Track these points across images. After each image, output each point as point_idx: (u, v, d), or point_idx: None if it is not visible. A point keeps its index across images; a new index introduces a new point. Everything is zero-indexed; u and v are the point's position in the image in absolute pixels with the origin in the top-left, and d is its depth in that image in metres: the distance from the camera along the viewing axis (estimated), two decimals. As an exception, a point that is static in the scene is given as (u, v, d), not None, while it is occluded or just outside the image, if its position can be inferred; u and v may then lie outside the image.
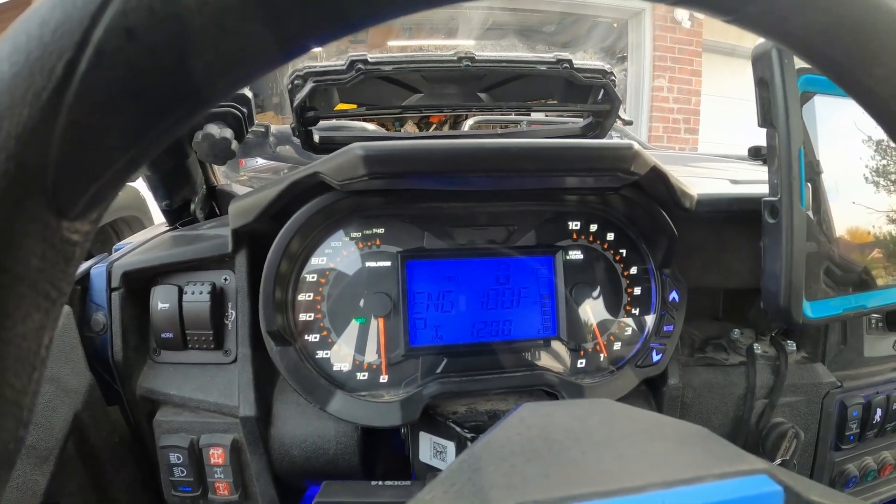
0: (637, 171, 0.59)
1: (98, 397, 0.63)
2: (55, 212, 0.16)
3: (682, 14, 4.83)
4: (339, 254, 0.64)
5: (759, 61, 0.59)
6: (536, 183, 0.65)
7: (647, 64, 4.91)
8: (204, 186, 0.89)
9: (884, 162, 0.67)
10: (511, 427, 0.30)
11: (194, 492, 0.64)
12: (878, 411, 0.82)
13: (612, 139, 1.09)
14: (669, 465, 0.27)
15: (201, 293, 0.64)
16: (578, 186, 0.67)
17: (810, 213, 0.60)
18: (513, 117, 1.37)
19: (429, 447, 0.63)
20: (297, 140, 0.86)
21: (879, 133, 0.66)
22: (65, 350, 0.61)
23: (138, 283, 0.66)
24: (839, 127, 0.64)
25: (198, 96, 0.17)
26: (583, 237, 0.70)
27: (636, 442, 0.30)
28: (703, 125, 5.10)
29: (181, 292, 0.64)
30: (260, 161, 1.53)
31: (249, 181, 1.35)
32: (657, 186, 0.65)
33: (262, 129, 1.07)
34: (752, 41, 0.59)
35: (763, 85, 0.59)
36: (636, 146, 0.58)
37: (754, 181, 0.88)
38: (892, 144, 0.67)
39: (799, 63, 0.58)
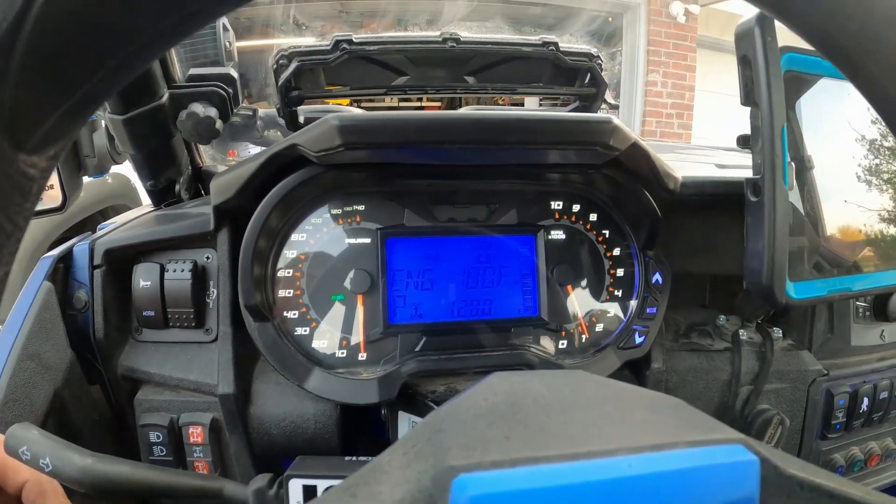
0: (616, 146, 0.59)
1: (79, 375, 0.63)
2: (11, 143, 0.16)
3: (676, 9, 4.83)
4: (319, 230, 0.63)
5: (743, 39, 0.58)
6: (516, 157, 0.64)
7: (641, 58, 4.92)
8: (189, 167, 0.88)
9: (876, 161, 0.67)
10: (479, 393, 0.30)
11: None
12: (865, 400, 0.81)
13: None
14: (640, 432, 0.27)
15: (183, 271, 0.64)
16: (560, 163, 0.67)
17: (797, 199, 0.60)
18: (507, 107, 1.37)
19: (408, 426, 0.62)
20: (282, 121, 0.86)
21: (872, 132, 0.66)
22: (46, 327, 0.60)
23: (121, 262, 0.65)
24: (832, 126, 0.64)
25: (150, 32, 0.17)
26: (565, 217, 0.69)
27: (607, 409, 0.29)
28: (696, 120, 5.11)
29: (163, 270, 0.64)
30: (252, 150, 1.52)
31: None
32: (639, 164, 0.64)
33: (250, 113, 1.06)
34: None
35: (746, 63, 0.58)
36: (615, 120, 0.58)
37: (741, 166, 0.88)
38: (885, 144, 0.67)
39: (782, 41, 0.58)
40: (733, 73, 0.60)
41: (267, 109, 1.14)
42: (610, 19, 5.00)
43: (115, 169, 1.02)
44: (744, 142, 0.73)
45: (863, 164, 0.66)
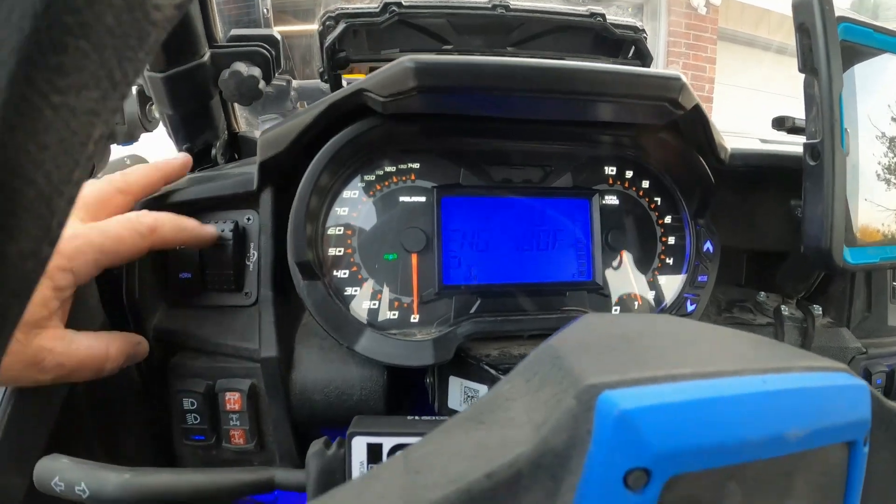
0: (684, 105, 0.58)
1: None
2: None
3: (698, 0, 4.82)
4: (371, 187, 0.63)
5: (801, 8, 0.58)
6: (580, 111, 0.63)
7: (661, 49, 4.91)
8: (226, 131, 0.88)
9: None
10: (580, 328, 0.29)
11: (207, 440, 0.61)
12: (901, 381, 0.81)
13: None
14: (757, 357, 0.27)
15: (224, 231, 0.62)
16: (619, 121, 0.66)
17: (851, 160, 0.60)
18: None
19: (459, 392, 0.61)
20: (324, 88, 0.85)
21: (893, 129, 0.65)
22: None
23: None
24: (885, 110, 0.64)
25: None
26: (618, 183, 0.69)
27: (713, 340, 0.29)
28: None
29: None
30: (266, 126, 1.51)
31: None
32: (696, 130, 0.64)
33: (284, 83, 1.05)
34: (767, 31, 0.58)
35: (804, 31, 0.58)
36: (685, 78, 0.57)
37: (783, 142, 0.88)
38: None
39: (839, 10, 0.57)
40: (753, 66, 0.60)
41: (301, 81, 1.14)
42: (630, 10, 4.99)
43: (134, 150, 1.02)
44: (778, 123, 0.73)
45: (882, 163, 0.65)
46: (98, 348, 0.52)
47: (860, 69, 0.62)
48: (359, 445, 0.49)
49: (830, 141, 0.57)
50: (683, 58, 4.93)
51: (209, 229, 0.60)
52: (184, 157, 0.64)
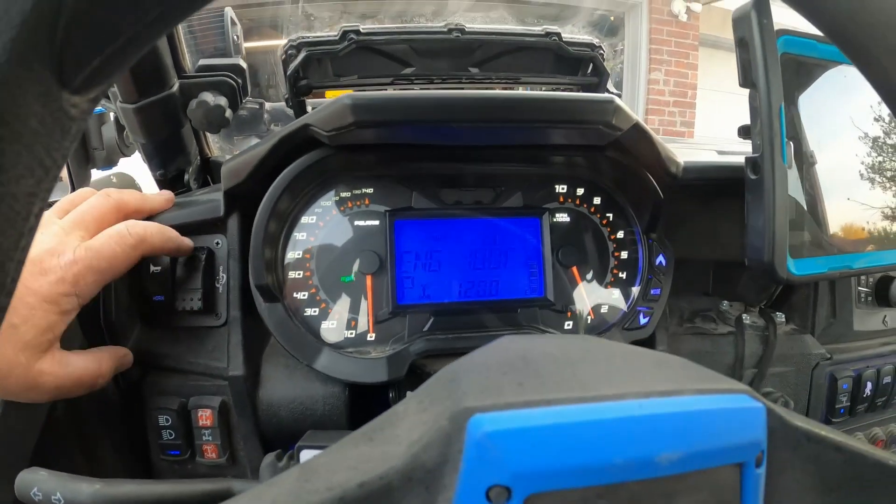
0: (619, 126, 0.60)
1: None
2: (58, 79, 0.17)
3: (678, 7, 4.85)
4: (328, 213, 0.65)
5: (740, 22, 0.60)
6: (521, 137, 0.65)
7: (643, 56, 4.94)
8: (198, 157, 0.90)
9: (879, 158, 0.68)
10: (490, 350, 0.31)
11: (182, 455, 0.64)
12: (869, 385, 0.82)
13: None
14: (648, 380, 0.28)
15: (195, 256, 0.65)
16: (563, 144, 0.68)
17: (798, 192, 0.61)
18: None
19: (416, 406, 0.63)
20: (290, 112, 0.87)
21: (876, 129, 0.67)
22: None
23: None
24: (835, 123, 0.66)
25: None
26: (570, 200, 0.71)
27: (615, 363, 0.30)
28: (698, 119, 5.13)
29: (173, 256, 0.65)
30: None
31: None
32: (642, 147, 0.66)
33: (257, 106, 1.07)
34: None
35: (743, 45, 0.60)
36: (618, 100, 0.59)
37: (742, 153, 0.89)
38: (889, 141, 0.68)
39: (778, 24, 0.59)
40: (735, 71, 0.61)
41: (274, 104, 1.16)
42: (612, 18, 5.03)
43: (119, 168, 1.04)
44: (744, 132, 0.75)
45: (866, 162, 0.67)
46: (91, 367, 0.54)
47: (822, 80, 0.64)
48: (306, 457, 0.51)
49: (770, 154, 0.59)
50: (665, 65, 4.96)
51: (187, 240, 0.63)
52: (167, 196, 0.67)
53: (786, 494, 0.30)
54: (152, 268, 0.64)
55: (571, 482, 0.24)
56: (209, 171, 0.96)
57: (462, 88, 0.89)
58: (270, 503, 0.23)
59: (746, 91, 0.61)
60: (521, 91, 0.60)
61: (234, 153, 1.14)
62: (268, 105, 1.13)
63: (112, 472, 0.65)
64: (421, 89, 0.87)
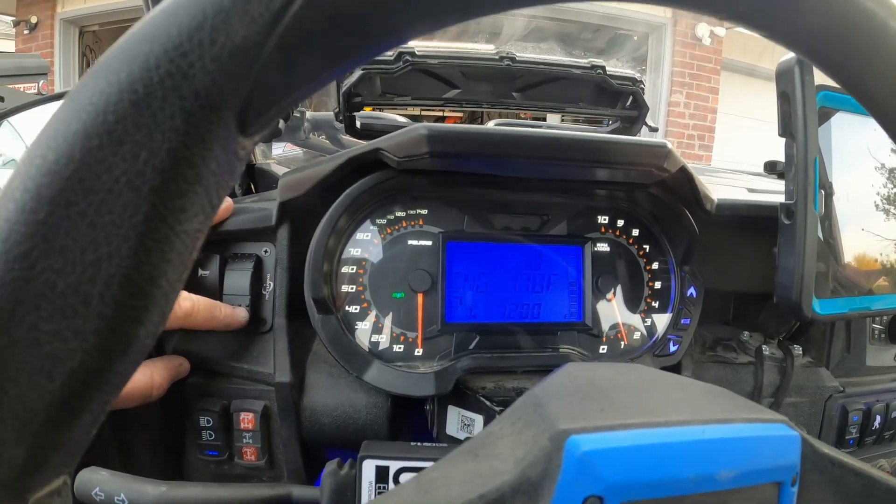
0: (669, 169, 0.64)
1: None
2: (238, 125, 0.18)
3: (702, 31, 4.88)
4: (383, 231, 0.68)
5: (783, 76, 0.63)
6: (574, 173, 0.69)
7: (665, 78, 4.98)
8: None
9: (895, 190, 0.71)
10: (562, 377, 0.35)
11: (220, 456, 0.66)
12: (878, 418, 0.85)
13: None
14: (704, 408, 0.32)
15: (245, 262, 0.67)
16: (612, 181, 0.72)
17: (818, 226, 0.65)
18: (530, 121, 1.41)
19: (456, 420, 0.66)
20: (337, 125, 0.91)
21: (892, 161, 0.70)
22: None
23: None
24: (852, 154, 0.68)
25: (375, 45, 0.20)
26: (610, 231, 0.74)
27: (672, 392, 0.35)
28: (717, 143, 5.14)
29: (223, 261, 0.67)
30: (275, 152, 1.57)
31: (279, 165, 1.39)
32: (683, 186, 0.69)
33: (300, 114, 1.11)
34: (770, 61, 0.63)
35: (785, 98, 0.63)
36: (670, 145, 0.63)
37: (770, 191, 0.93)
38: None
39: (818, 80, 0.62)
40: (756, 97, 0.65)
41: (315, 113, 1.19)
42: (636, 38, 5.07)
43: None
44: (770, 168, 0.79)
45: (882, 193, 0.70)
46: (143, 381, 0.57)
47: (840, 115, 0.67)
48: (368, 467, 0.55)
49: (804, 203, 0.62)
50: (687, 88, 4.99)
51: (241, 314, 0.65)
52: (228, 204, 0.68)
53: None
54: (200, 272, 0.67)
55: (651, 493, 0.28)
56: (253, 177, 0.99)
57: (497, 113, 0.92)
58: None
59: (765, 117, 0.64)
60: (581, 132, 0.64)
61: (266, 156, 1.18)
62: (308, 114, 1.17)
63: (146, 469, 0.67)
64: (437, 109, 0.90)
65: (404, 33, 0.20)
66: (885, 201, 0.70)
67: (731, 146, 5.07)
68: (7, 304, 0.16)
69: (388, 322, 0.67)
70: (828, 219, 0.66)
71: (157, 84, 0.17)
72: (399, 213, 0.68)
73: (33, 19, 5.67)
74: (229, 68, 0.17)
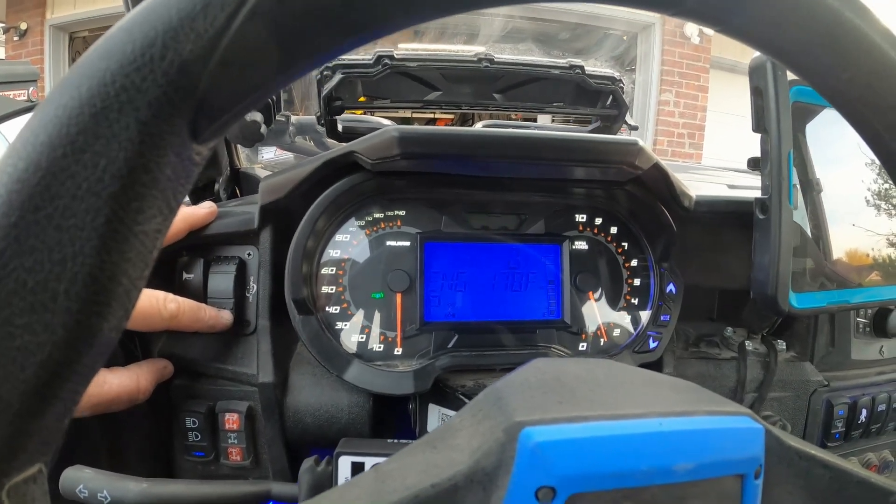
0: (640, 166, 0.64)
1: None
2: (191, 133, 0.20)
3: (691, 30, 4.90)
4: (362, 232, 0.69)
5: (756, 72, 0.64)
6: (548, 172, 0.69)
7: (654, 78, 4.99)
8: (228, 168, 0.93)
9: (886, 185, 0.71)
10: (527, 372, 0.35)
11: (207, 456, 0.67)
12: (864, 412, 0.86)
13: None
14: (665, 402, 0.32)
15: (228, 265, 0.68)
16: (586, 179, 0.72)
17: (804, 220, 0.65)
18: (520, 122, 1.42)
19: (437, 418, 0.67)
20: (320, 129, 0.91)
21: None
22: None
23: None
24: (841, 150, 0.69)
25: (320, 55, 0.21)
26: (588, 229, 0.75)
27: (636, 386, 0.35)
28: (707, 141, 5.16)
29: (206, 264, 0.68)
30: (265, 156, 1.58)
31: (264, 169, 1.40)
32: (659, 183, 0.70)
33: (284, 119, 1.11)
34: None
35: (758, 93, 0.64)
36: (641, 143, 0.63)
37: (751, 187, 0.93)
38: None
39: (791, 75, 0.63)
40: (746, 95, 0.65)
41: (299, 117, 1.20)
42: (624, 37, 5.09)
43: None
44: (754, 164, 0.79)
45: (872, 189, 0.71)
46: (129, 384, 0.58)
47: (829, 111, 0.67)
48: (344, 463, 0.56)
49: (778, 197, 0.63)
50: (676, 87, 5.00)
51: (225, 316, 0.66)
52: (209, 208, 0.69)
53: None
54: (185, 275, 0.67)
55: (605, 485, 0.28)
56: (237, 181, 1.00)
57: (487, 114, 0.92)
58: (356, 498, 0.27)
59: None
60: (553, 132, 0.64)
61: (252, 162, 1.18)
62: (293, 118, 1.17)
63: (135, 470, 0.67)
64: (429, 112, 0.91)
65: (344, 44, 0.21)
66: (875, 197, 0.71)
67: (721, 144, 5.06)
68: None
69: (367, 322, 0.68)
70: (815, 213, 0.67)
71: (113, 98, 0.18)
72: (377, 215, 0.69)
73: (23, 26, 5.67)
74: (178, 81, 0.19)
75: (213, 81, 0.19)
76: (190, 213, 0.67)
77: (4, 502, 0.19)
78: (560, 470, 0.27)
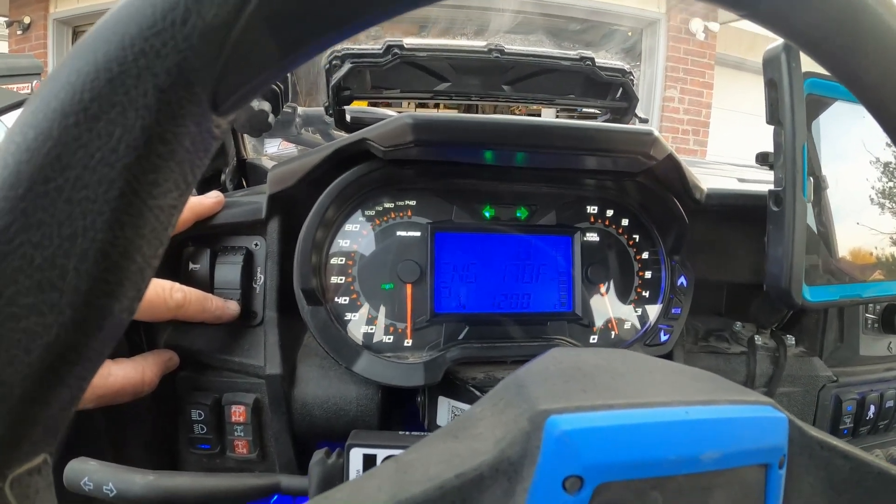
0: (655, 156, 0.64)
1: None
2: (211, 103, 0.19)
3: (696, 26, 4.89)
4: (371, 222, 0.68)
5: (770, 64, 0.63)
6: (561, 161, 0.69)
7: (659, 73, 4.99)
8: (235, 158, 0.93)
9: (890, 184, 0.71)
10: (546, 361, 0.35)
11: (212, 449, 0.66)
12: (872, 408, 0.85)
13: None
14: (688, 390, 0.32)
15: (235, 255, 0.67)
16: (599, 169, 0.72)
17: (811, 217, 0.65)
18: (525, 117, 1.42)
19: (447, 410, 0.66)
20: (328, 120, 0.91)
21: (887, 155, 0.70)
22: None
23: (169, 244, 0.67)
24: (847, 147, 0.68)
25: (341, 28, 0.20)
26: (599, 221, 0.74)
27: (657, 375, 0.34)
28: (711, 138, 5.16)
29: (213, 255, 0.67)
30: (269, 150, 1.57)
31: (271, 160, 1.39)
32: (671, 175, 0.69)
33: (290, 110, 1.11)
34: (758, 55, 0.63)
35: (772, 86, 0.63)
36: (656, 132, 0.63)
37: (761, 181, 0.92)
38: None
39: (805, 67, 0.62)
40: (750, 92, 0.65)
41: (306, 108, 1.19)
42: (630, 33, 5.09)
43: None
44: (762, 159, 0.79)
45: (877, 187, 0.70)
46: (134, 376, 0.57)
47: (836, 106, 0.66)
48: (356, 456, 0.55)
49: (792, 189, 0.62)
50: (681, 83, 5.00)
51: (232, 307, 0.65)
52: (216, 197, 0.68)
53: (801, 495, 0.33)
54: (191, 265, 0.67)
55: (633, 474, 0.28)
56: (244, 172, 0.99)
57: (497, 106, 0.92)
58: (377, 490, 0.26)
59: (759, 111, 0.65)
60: (566, 120, 0.64)
61: (257, 152, 1.18)
62: (300, 109, 1.17)
63: (139, 463, 0.66)
64: (433, 105, 0.90)
65: (372, 15, 0.20)
66: (880, 195, 0.70)
67: (726, 141, 5.05)
68: None
69: (377, 313, 0.67)
70: (820, 210, 0.66)
71: (131, 62, 0.18)
72: (387, 205, 0.68)
73: (26, 20, 5.66)
74: (201, 47, 0.18)
75: (236, 50, 0.18)
76: (196, 203, 0.66)
77: (7, 494, 0.18)
78: (587, 459, 0.27)
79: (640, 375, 0.34)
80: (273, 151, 1.62)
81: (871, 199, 0.70)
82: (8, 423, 0.17)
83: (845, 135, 0.68)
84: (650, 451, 0.28)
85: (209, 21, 0.18)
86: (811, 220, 0.65)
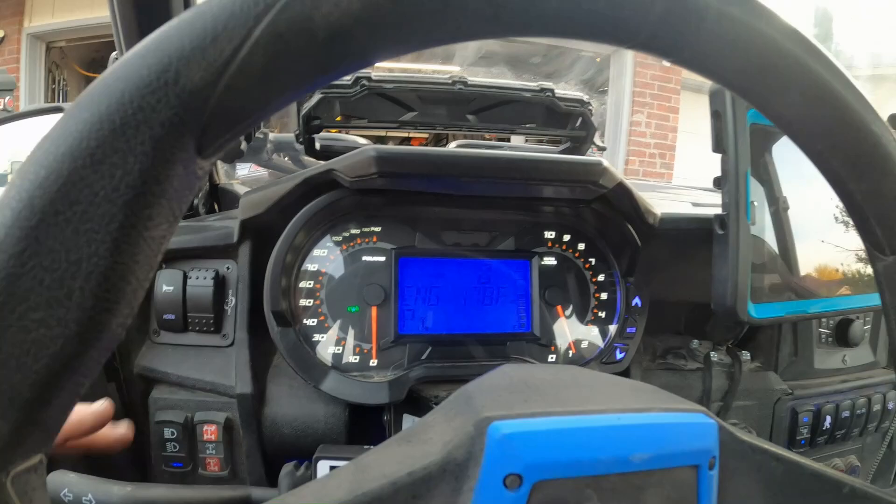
0: (605, 185, 0.68)
1: (99, 374, 0.66)
2: (197, 149, 0.22)
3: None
4: (339, 247, 0.71)
5: (714, 97, 0.67)
6: (518, 190, 0.72)
7: (626, 99, 5.05)
8: (207, 183, 0.95)
9: None
10: (495, 376, 0.38)
11: (185, 467, 0.68)
12: (828, 419, 0.89)
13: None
14: (625, 400, 0.35)
15: (205, 279, 0.69)
16: (555, 197, 0.75)
17: (772, 238, 0.69)
18: (494, 142, 1.46)
19: (411, 428, 0.68)
20: (298, 147, 0.93)
21: None
22: None
23: None
24: (807, 172, 0.71)
25: (318, 78, 0.23)
26: (557, 245, 0.78)
27: (599, 387, 0.38)
28: (678, 161, 5.22)
29: (185, 277, 0.69)
30: (240, 173, 1.59)
31: (242, 185, 1.41)
32: (624, 202, 0.73)
33: (262, 136, 1.13)
34: None
35: (717, 117, 0.67)
36: (605, 163, 0.67)
37: (714, 205, 0.96)
38: None
39: (749, 99, 0.66)
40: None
41: (277, 134, 1.22)
42: (597, 59, 5.18)
43: None
44: (717, 183, 0.83)
45: (840, 206, 0.73)
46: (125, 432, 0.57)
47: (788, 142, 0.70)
48: (323, 468, 0.58)
49: (735, 213, 0.66)
50: (648, 108, 5.07)
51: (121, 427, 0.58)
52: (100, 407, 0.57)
53: (737, 495, 0.36)
54: (164, 287, 0.69)
55: (568, 472, 0.30)
56: (216, 196, 1.01)
57: (462, 134, 0.95)
58: (337, 487, 0.29)
59: None
60: (522, 153, 0.67)
61: (229, 176, 1.19)
62: (271, 135, 1.19)
63: (113, 479, 0.68)
64: (422, 130, 0.93)
65: (337, 70, 0.24)
66: (843, 213, 0.74)
67: (691, 164, 5.06)
68: (1, 296, 0.19)
69: (344, 334, 0.70)
70: (780, 230, 0.70)
71: (131, 116, 0.20)
72: (354, 231, 0.71)
73: (0, 33, 5.59)
74: (189, 103, 0.21)
75: (219, 104, 0.21)
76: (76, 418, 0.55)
77: (9, 490, 0.21)
78: (526, 459, 0.30)
79: (583, 388, 0.37)
80: (244, 174, 1.63)
81: (836, 218, 0.74)
82: (14, 424, 0.20)
83: (804, 159, 0.71)
84: (583, 451, 0.31)
85: (196, 82, 0.21)
86: (770, 240, 0.69)
